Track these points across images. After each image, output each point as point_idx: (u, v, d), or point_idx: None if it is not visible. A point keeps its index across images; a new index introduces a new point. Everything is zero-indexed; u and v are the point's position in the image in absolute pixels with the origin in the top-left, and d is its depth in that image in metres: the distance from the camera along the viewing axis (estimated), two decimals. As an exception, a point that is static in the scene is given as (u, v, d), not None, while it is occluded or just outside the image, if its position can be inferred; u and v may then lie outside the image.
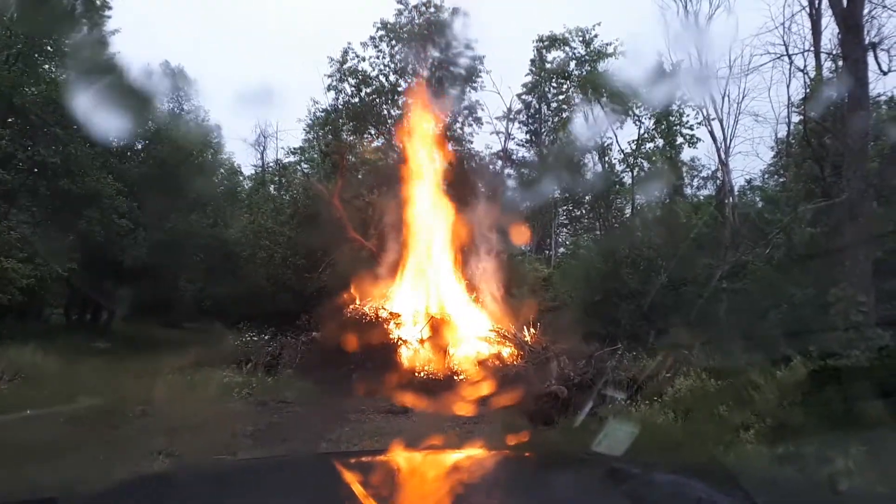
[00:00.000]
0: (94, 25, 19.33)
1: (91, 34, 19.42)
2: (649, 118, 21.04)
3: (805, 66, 16.45)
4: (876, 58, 10.06)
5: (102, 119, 18.83)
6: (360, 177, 23.36)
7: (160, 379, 11.12)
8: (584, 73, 20.80)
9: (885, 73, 10.28)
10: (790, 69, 17.33)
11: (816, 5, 15.56)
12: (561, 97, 25.55)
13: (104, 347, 17.00)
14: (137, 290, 22.49)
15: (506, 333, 14.49)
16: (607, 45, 21.48)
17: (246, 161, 66.40)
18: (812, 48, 15.66)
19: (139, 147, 21.89)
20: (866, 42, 9.98)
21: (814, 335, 8.44)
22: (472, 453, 3.74)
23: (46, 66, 17.49)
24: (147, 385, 10.68)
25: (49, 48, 16.96)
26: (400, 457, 3.07)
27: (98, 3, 18.37)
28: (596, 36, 22.08)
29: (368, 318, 13.88)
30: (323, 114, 25.55)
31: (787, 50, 15.54)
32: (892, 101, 15.65)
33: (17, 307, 14.80)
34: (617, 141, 21.51)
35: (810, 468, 5.61)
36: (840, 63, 12.12)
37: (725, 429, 7.37)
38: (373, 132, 26.80)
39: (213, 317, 22.84)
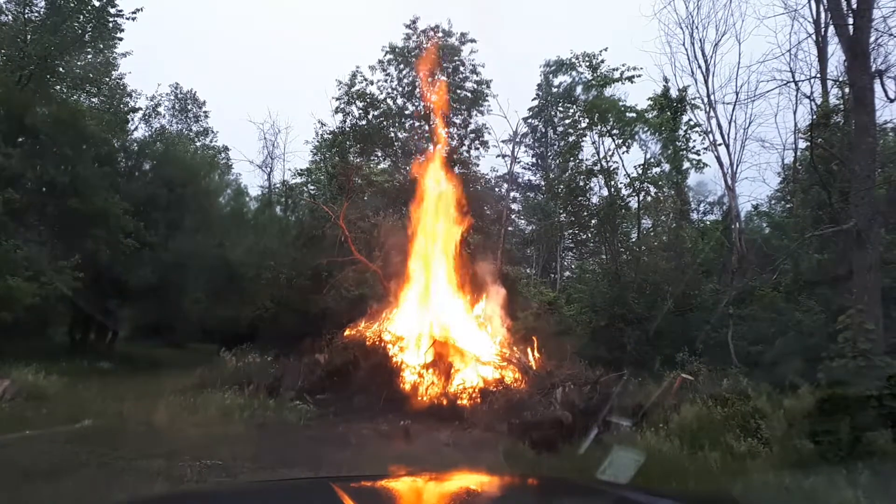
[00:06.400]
0: (106, 48, 19.59)
1: (102, 56, 19.69)
2: (656, 143, 21.10)
3: (812, 93, 16.56)
4: (882, 85, 10.11)
5: (111, 140, 19.05)
6: (365, 198, 23.43)
7: (162, 400, 11.06)
8: (591, 97, 20.87)
9: (891, 101, 10.31)
10: (797, 95, 17.44)
11: (823, 33, 15.70)
12: (567, 121, 25.70)
13: (107, 368, 16.97)
14: (142, 309, 22.56)
15: (510, 358, 14.38)
16: (614, 70, 21.61)
17: (253, 182, 67.03)
18: (819, 75, 15.75)
19: (147, 167, 22.09)
20: (873, 69, 10.00)
21: (821, 363, 8.33)
22: (475, 479, 3.68)
23: (58, 87, 17.72)
24: (148, 406, 10.64)
25: (60, 69, 17.17)
26: (401, 481, 3.02)
27: (110, 26, 18.60)
28: (603, 61, 22.23)
29: (371, 340, 13.79)
30: (330, 136, 25.71)
31: (793, 76, 15.62)
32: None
33: (21, 326, 14.77)
34: (623, 165, 21.55)
35: (819, 498, 5.51)
36: (847, 90, 12.17)
37: (732, 457, 7.27)
38: (379, 154, 26.97)
39: (216, 337, 22.81)
